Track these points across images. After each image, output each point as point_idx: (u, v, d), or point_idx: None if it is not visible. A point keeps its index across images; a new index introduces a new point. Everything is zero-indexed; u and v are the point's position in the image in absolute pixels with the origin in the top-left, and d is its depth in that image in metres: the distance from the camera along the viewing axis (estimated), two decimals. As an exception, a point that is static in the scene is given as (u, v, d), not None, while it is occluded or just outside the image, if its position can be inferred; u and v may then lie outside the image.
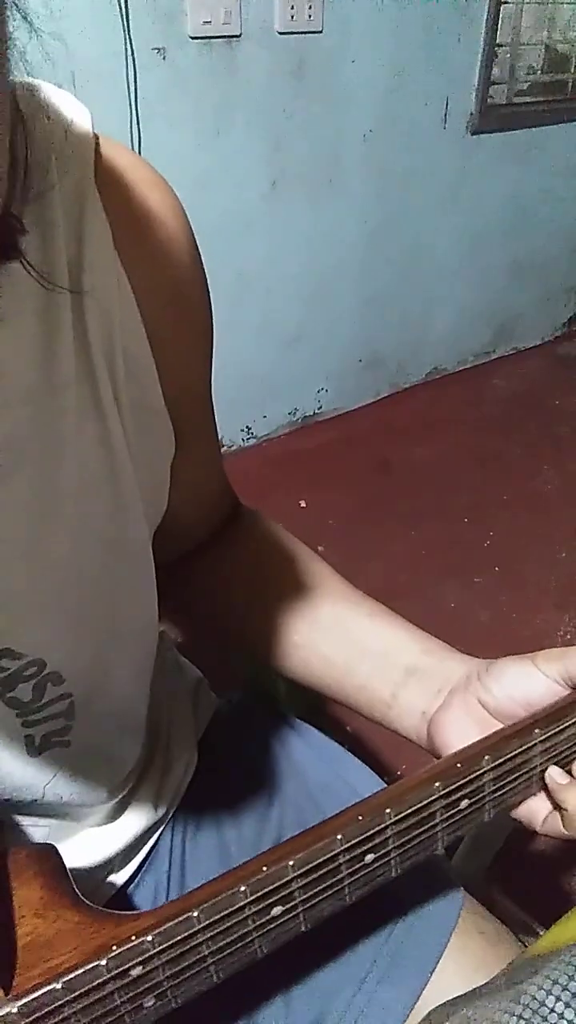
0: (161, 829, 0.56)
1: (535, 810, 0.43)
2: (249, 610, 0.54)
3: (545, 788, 0.42)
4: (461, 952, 0.51)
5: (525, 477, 2.16)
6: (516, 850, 0.88)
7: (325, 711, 0.72)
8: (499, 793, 0.41)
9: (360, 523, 1.98)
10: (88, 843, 0.50)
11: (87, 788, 0.46)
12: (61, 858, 0.37)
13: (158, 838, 0.56)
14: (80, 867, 0.49)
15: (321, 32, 1.78)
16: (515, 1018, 0.35)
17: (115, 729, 0.47)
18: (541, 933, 0.73)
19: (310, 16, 1.74)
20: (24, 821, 0.46)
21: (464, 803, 0.39)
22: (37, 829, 0.46)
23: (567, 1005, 0.35)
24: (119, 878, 0.53)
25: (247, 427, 2.23)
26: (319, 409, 2.38)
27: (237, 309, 2.01)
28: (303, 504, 2.03)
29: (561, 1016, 0.35)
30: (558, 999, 0.35)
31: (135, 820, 0.52)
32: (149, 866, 0.55)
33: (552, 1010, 0.35)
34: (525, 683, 0.42)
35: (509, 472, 2.19)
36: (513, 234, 2.56)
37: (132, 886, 0.54)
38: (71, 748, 0.42)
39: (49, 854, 0.37)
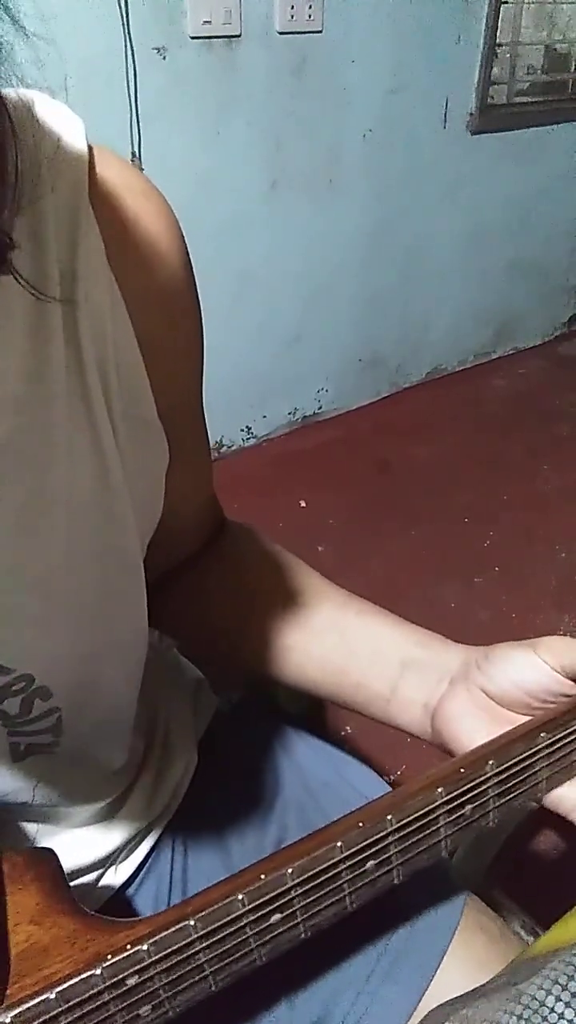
0: (161, 830, 0.56)
1: (562, 795, 0.43)
2: (238, 622, 0.54)
3: None
4: (464, 951, 0.51)
5: (525, 477, 2.16)
6: (516, 851, 0.87)
7: (325, 711, 0.72)
8: (503, 799, 0.40)
9: (360, 523, 1.98)
10: (81, 842, 0.50)
11: (72, 791, 0.46)
12: (59, 863, 0.36)
13: (158, 840, 0.55)
14: (74, 866, 0.49)
15: (321, 32, 1.78)
16: (515, 1018, 0.35)
17: (101, 739, 0.47)
18: (541, 933, 0.73)
19: (310, 16, 1.74)
20: (13, 819, 0.46)
21: (468, 808, 0.39)
22: (28, 825, 0.46)
23: (567, 1005, 0.35)
24: (117, 879, 0.53)
25: (247, 427, 2.23)
26: (319, 409, 2.38)
27: (237, 309, 2.01)
28: (303, 504, 2.03)
29: (561, 1016, 0.35)
30: (558, 999, 0.35)
31: (129, 820, 0.52)
32: (150, 869, 0.55)
33: (552, 1010, 0.35)
34: (529, 672, 0.42)
35: (509, 472, 2.19)
36: (513, 234, 2.56)
37: (132, 888, 0.54)
38: (56, 756, 0.42)
39: (47, 859, 0.36)
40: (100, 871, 0.51)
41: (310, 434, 2.34)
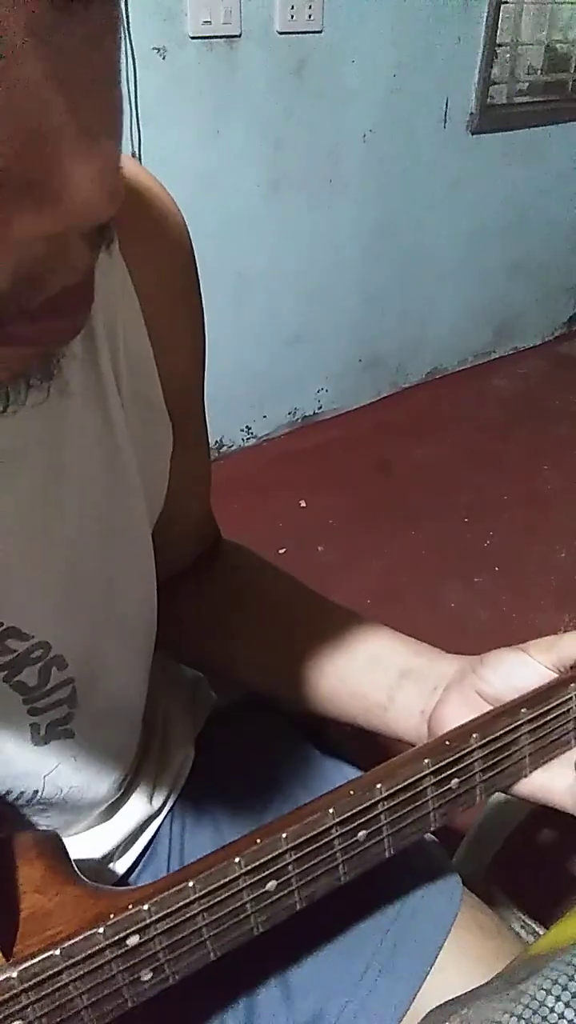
0: (159, 823, 0.56)
1: (549, 784, 0.44)
2: (238, 634, 0.56)
3: None
4: (460, 946, 0.51)
5: (525, 477, 2.16)
6: (516, 850, 0.87)
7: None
8: (489, 774, 0.41)
9: (360, 523, 1.98)
10: (85, 842, 0.50)
11: (88, 780, 0.46)
12: (62, 841, 0.38)
13: (156, 832, 0.56)
14: (78, 860, 0.49)
15: (321, 32, 1.78)
16: (515, 1018, 0.35)
17: (114, 719, 0.47)
18: (541, 933, 0.73)
19: (310, 16, 1.74)
20: (19, 818, 0.46)
21: (454, 782, 0.40)
22: (38, 820, 0.47)
23: (567, 1005, 0.35)
24: (118, 868, 0.53)
25: (247, 427, 2.23)
26: (319, 409, 2.38)
27: (237, 309, 2.01)
28: (303, 504, 2.03)
29: (561, 1016, 0.35)
30: (558, 999, 0.35)
31: (131, 815, 0.53)
32: (148, 860, 0.56)
33: (552, 1010, 0.35)
34: (521, 671, 0.44)
35: (509, 472, 2.19)
36: (513, 234, 2.56)
37: (132, 877, 0.55)
38: (75, 738, 0.43)
39: (51, 838, 0.38)
40: (105, 863, 0.52)
41: (310, 434, 2.34)
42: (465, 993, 0.43)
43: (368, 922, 0.52)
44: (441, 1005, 0.43)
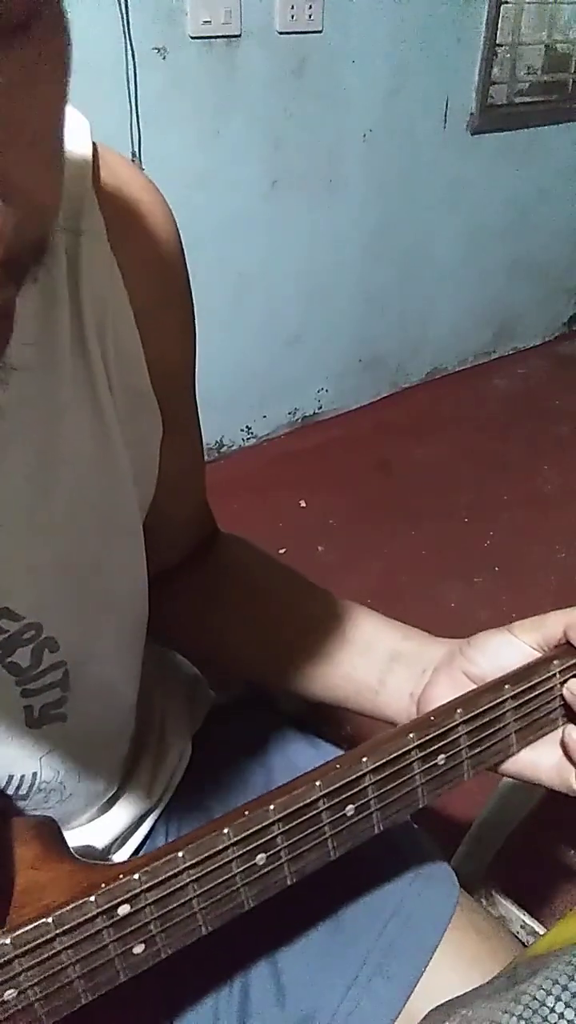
0: (156, 818, 0.57)
1: (536, 762, 0.44)
2: (229, 626, 0.56)
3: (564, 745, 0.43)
4: (456, 948, 0.51)
5: (525, 477, 2.16)
6: (516, 850, 0.88)
7: (323, 711, 0.72)
8: (475, 750, 0.42)
9: (360, 523, 1.98)
10: (82, 836, 0.51)
11: (83, 765, 0.46)
12: (58, 825, 0.39)
13: (152, 827, 0.56)
14: (75, 849, 0.49)
15: (321, 32, 1.78)
16: (515, 1018, 0.35)
17: (107, 705, 0.48)
18: (541, 933, 0.73)
19: (310, 16, 1.74)
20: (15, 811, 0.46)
21: (441, 758, 0.41)
22: (40, 813, 0.47)
23: (567, 1005, 0.35)
24: (115, 861, 0.54)
25: (247, 427, 2.23)
26: (319, 409, 2.38)
27: (237, 309, 2.01)
28: (303, 504, 2.03)
29: (561, 1016, 0.35)
30: (558, 999, 0.35)
31: (127, 810, 0.53)
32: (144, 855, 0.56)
33: (552, 1010, 0.35)
34: (507, 651, 0.45)
35: (509, 472, 2.19)
36: (513, 234, 2.56)
37: None
38: (68, 722, 0.43)
39: (47, 822, 0.39)
40: (102, 858, 0.52)
41: (310, 434, 2.34)
42: (465, 993, 0.43)
43: (363, 922, 0.52)
44: (441, 1005, 0.43)
